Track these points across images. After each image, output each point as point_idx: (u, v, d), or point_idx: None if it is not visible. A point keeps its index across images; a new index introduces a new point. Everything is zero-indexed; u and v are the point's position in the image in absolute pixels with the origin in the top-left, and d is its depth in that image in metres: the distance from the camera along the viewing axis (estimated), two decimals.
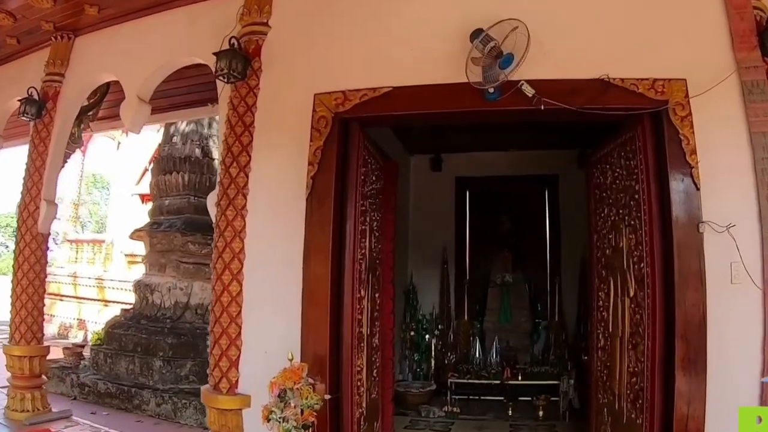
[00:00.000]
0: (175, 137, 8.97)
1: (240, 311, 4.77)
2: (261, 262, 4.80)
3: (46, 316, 13.81)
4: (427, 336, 8.33)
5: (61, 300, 13.20)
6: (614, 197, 4.97)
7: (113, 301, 11.69)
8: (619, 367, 4.76)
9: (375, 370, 5.10)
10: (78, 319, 12.48)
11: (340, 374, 4.45)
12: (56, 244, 14.44)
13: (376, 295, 5.16)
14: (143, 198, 13.34)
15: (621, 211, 4.82)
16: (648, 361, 4.29)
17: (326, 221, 4.46)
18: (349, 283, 4.44)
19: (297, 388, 4.02)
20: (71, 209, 14.03)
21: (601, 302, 5.13)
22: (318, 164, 4.61)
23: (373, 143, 5.16)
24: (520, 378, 6.95)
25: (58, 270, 13.42)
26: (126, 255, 12.05)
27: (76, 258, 13.53)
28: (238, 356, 4.77)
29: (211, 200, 5.14)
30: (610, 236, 4.99)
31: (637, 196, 4.59)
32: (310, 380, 4.16)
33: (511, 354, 7.42)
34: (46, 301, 13.97)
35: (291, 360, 4.17)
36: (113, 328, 8.66)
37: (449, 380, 7.04)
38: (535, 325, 7.93)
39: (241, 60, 4.88)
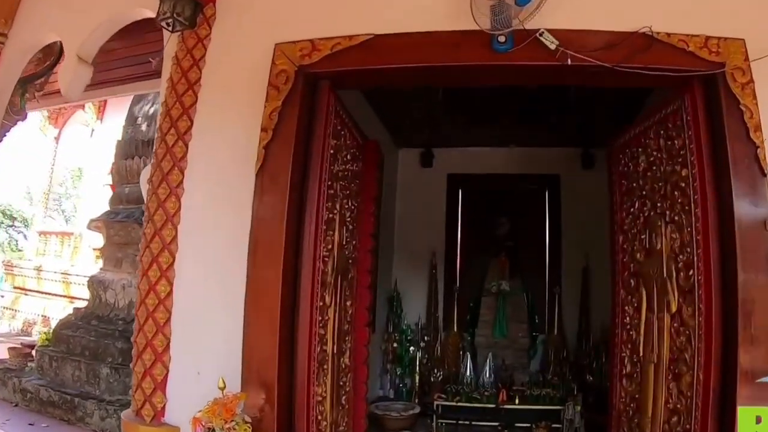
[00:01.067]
0: (139, 119, 7.71)
1: (169, 319, 3.53)
2: (198, 255, 3.56)
3: (10, 311, 12.71)
4: (411, 348, 7.07)
5: (26, 294, 11.87)
6: (649, 187, 3.77)
7: (79, 298, 10.38)
8: (653, 402, 3.54)
9: (344, 397, 3.88)
10: (43, 315, 11.16)
11: (294, 406, 3.21)
12: (25, 238, 13.20)
13: (348, 304, 3.93)
14: (113, 187, 12.13)
15: (660, 205, 3.61)
16: (698, 397, 3.07)
17: (279, 205, 3.22)
18: (307, 288, 3.20)
19: (228, 428, 2.78)
20: (43, 200, 12.72)
21: (627, 319, 3.91)
22: (273, 131, 3.38)
23: (349, 114, 3.94)
24: (517, 402, 5.68)
25: (24, 263, 12.14)
26: (94, 249, 10.75)
27: (45, 251, 12.23)
28: (166, 376, 3.52)
29: (144, 176, 3.93)
30: (643, 236, 3.78)
31: (683, 185, 3.39)
32: (247, 417, 2.92)
33: (506, 373, 6.15)
34: (11, 295, 12.94)
35: (223, 389, 2.92)
36: (62, 329, 7.37)
37: (435, 402, 5.79)
38: (532, 340, 6.67)
39: (189, 3, 3.68)
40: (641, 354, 3.69)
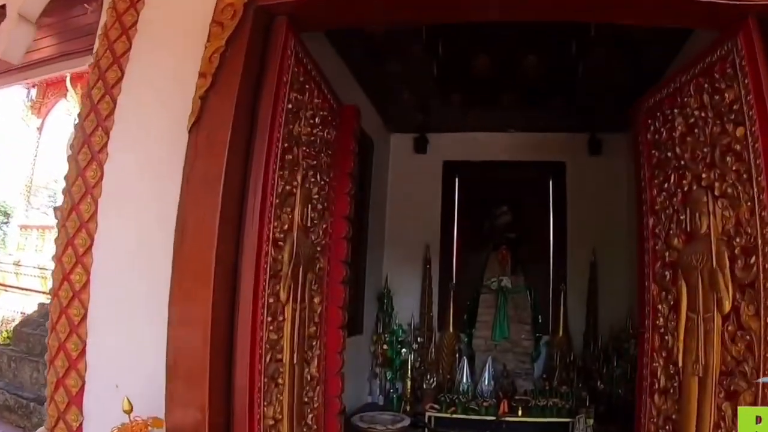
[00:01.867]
0: None
1: (85, 316, 2.68)
2: (122, 237, 2.72)
3: None
4: (403, 350, 6.22)
5: (6, 291, 11.02)
6: (689, 156, 2.91)
7: None
8: (697, 426, 2.70)
9: (311, 416, 3.03)
10: (21, 312, 10.30)
11: None
12: (4, 232, 12.36)
13: (316, 301, 3.08)
14: None
15: (705, 176, 2.76)
16: None
17: (214, 170, 2.37)
18: (249, 280, 2.35)
19: None
20: (25, 193, 11.85)
21: (660, 320, 3.05)
22: (213, 77, 2.53)
23: (318, 67, 3.10)
24: (520, 413, 4.79)
25: (4, 258, 11.28)
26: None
27: (25, 245, 11.36)
28: (82, 388, 2.69)
29: (67, 142, 3.10)
30: (682, 217, 2.92)
31: (738, 147, 2.54)
32: None
33: (507, 381, 5.28)
34: None
35: (129, 412, 2.09)
36: (22, 326, 6.57)
37: (427, 414, 4.94)
38: (536, 342, 5.80)
39: None
40: (680, 364, 2.83)
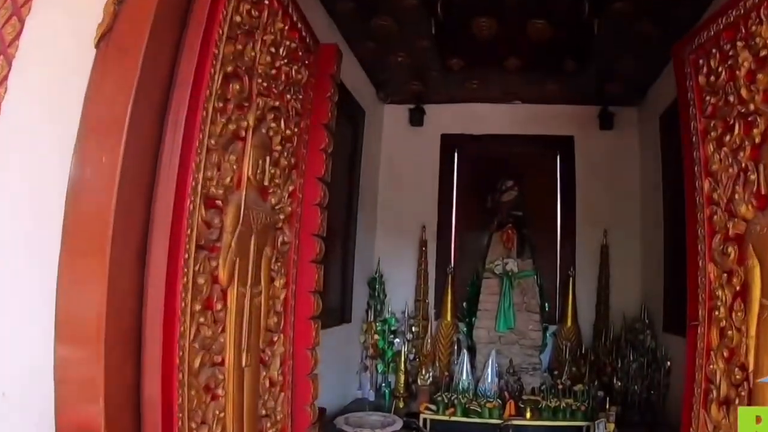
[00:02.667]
0: None
1: None
2: (13, 189, 1.97)
3: None
4: (396, 341, 5.49)
5: None
6: (763, 97, 2.16)
7: None
8: None
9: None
10: None
11: None
12: None
13: (276, 285, 2.32)
14: None
15: None
16: None
17: (121, 96, 1.60)
18: (161, 251, 1.59)
19: None
20: None
21: (721, 310, 2.28)
22: None
23: None
24: (528, 416, 4.06)
25: None
26: None
27: None
28: None
29: None
30: (752, 176, 2.16)
31: None
32: None
33: (514, 378, 4.55)
34: None
35: None
36: None
37: (422, 416, 4.21)
38: (544, 333, 5.04)
39: None
40: (750, 368, 2.10)
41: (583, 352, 5.05)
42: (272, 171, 2.26)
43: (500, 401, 4.12)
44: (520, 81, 5.66)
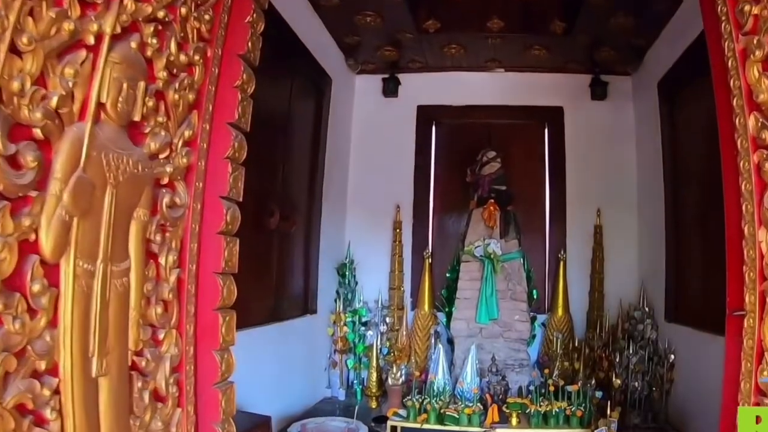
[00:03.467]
0: None
1: None
2: None
3: None
4: (368, 333, 4.80)
5: None
6: None
7: None
8: None
9: None
10: None
11: None
12: None
13: (162, 263, 1.61)
14: None
15: None
16: None
17: None
18: None
19: None
20: None
21: None
22: None
23: None
24: (514, 422, 3.31)
25: None
26: None
27: None
28: None
29: None
30: None
31: None
32: None
33: (497, 377, 3.82)
34: None
35: None
36: None
37: (390, 423, 3.50)
38: (532, 324, 4.34)
39: None
40: None
41: (576, 344, 4.38)
42: (150, 104, 1.54)
43: (481, 405, 3.41)
44: (504, 45, 4.96)
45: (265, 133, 3.87)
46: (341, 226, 5.16)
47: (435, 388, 3.54)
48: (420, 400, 3.46)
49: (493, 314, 3.94)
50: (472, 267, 4.14)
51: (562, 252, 4.86)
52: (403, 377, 3.95)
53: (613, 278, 4.95)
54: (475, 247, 4.00)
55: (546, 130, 5.34)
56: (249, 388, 3.49)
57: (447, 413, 3.33)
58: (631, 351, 4.19)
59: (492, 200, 4.20)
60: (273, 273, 4.06)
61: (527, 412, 3.35)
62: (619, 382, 3.92)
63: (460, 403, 3.37)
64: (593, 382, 3.70)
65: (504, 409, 3.37)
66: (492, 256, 3.91)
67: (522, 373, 3.94)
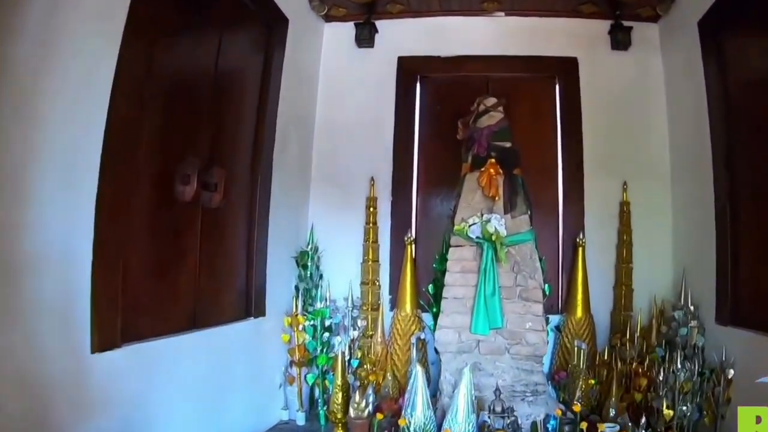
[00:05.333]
0: None
1: None
2: None
3: None
4: (336, 340, 3.51)
5: None
6: None
7: None
8: None
9: None
10: None
11: None
12: None
13: None
14: None
15: None
16: None
17: None
18: None
19: None
20: None
21: None
22: None
23: None
24: None
25: None
26: None
27: None
28: None
29: None
30: None
31: None
32: None
33: (500, 415, 2.36)
34: None
35: None
36: None
37: None
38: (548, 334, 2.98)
39: None
40: None
41: (604, 357, 3.09)
42: None
43: None
44: None
45: (177, 80, 2.61)
46: (302, 204, 3.86)
47: (412, 428, 2.24)
48: None
49: (495, 322, 2.62)
50: (465, 254, 2.80)
51: (580, 236, 3.56)
52: (371, 407, 2.65)
53: (643, 269, 3.66)
54: (470, 226, 2.67)
55: (557, 87, 4.02)
56: (163, 414, 2.33)
57: None
58: (678, 365, 2.90)
59: (492, 160, 2.86)
60: (193, 263, 2.77)
61: None
62: (671, 413, 2.62)
63: None
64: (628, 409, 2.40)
65: None
66: (494, 237, 2.58)
67: (536, 403, 2.61)
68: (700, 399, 2.94)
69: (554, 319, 3.51)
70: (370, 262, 3.71)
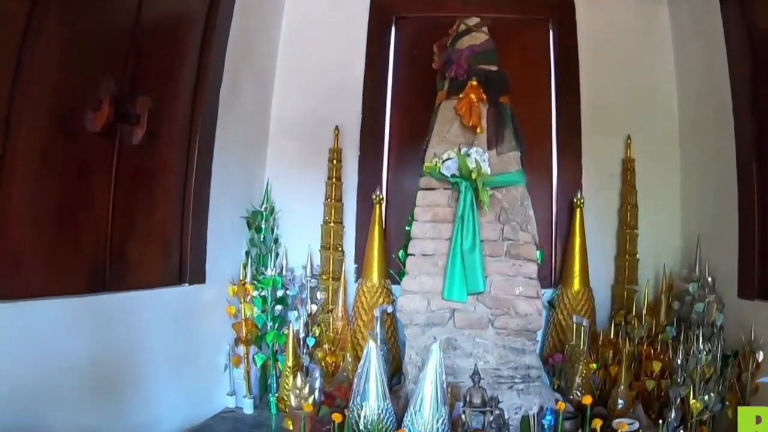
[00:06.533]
0: None
1: None
2: None
3: None
4: (293, 315, 2.83)
5: None
6: None
7: None
8: None
9: None
10: None
11: None
12: None
13: None
14: None
15: None
16: None
17: None
18: None
19: None
20: None
21: None
22: None
23: None
24: None
25: None
26: None
27: None
28: None
29: None
30: None
31: None
32: None
33: (483, 409, 1.66)
34: None
35: None
36: None
37: None
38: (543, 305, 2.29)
39: None
40: None
41: (610, 336, 2.43)
42: None
43: None
44: None
45: None
46: (257, 159, 3.17)
47: (362, 424, 1.56)
48: None
49: (475, 285, 1.92)
50: (437, 198, 2.08)
51: (578, 196, 2.89)
52: (316, 393, 1.97)
53: (649, 236, 3.01)
54: (443, 161, 1.97)
55: (551, 32, 3.35)
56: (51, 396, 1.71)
57: None
58: (700, 345, 2.25)
59: (474, 83, 2.17)
60: (103, 212, 2.09)
61: None
62: (699, 405, 1.96)
63: None
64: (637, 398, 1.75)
65: None
66: (474, 175, 1.89)
67: (528, 392, 1.91)
68: (722, 387, 2.30)
69: (547, 293, 2.85)
70: (331, 224, 3.03)
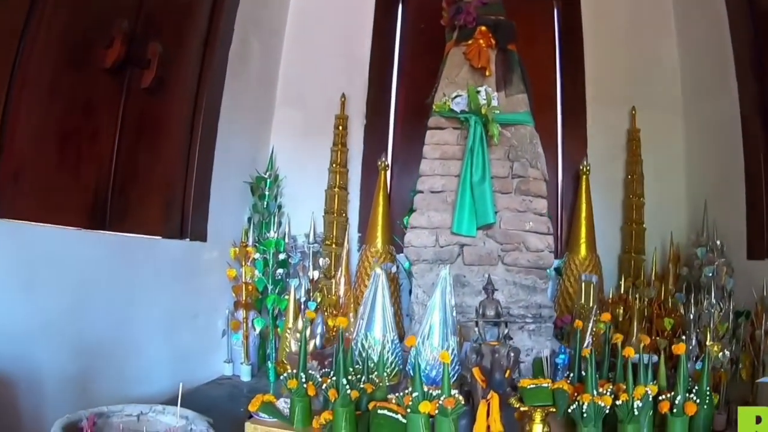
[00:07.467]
0: None
1: None
2: None
3: None
4: (293, 283, 2.68)
5: None
6: None
7: None
8: None
9: None
10: None
11: None
12: None
13: None
14: None
15: None
16: None
17: None
18: None
19: None
20: None
21: None
22: None
23: None
24: (539, 430, 1.22)
25: None
26: None
27: None
28: None
29: None
30: None
31: None
32: None
33: (497, 320, 1.43)
34: None
35: None
36: None
37: (249, 426, 1.35)
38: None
39: None
40: None
41: (619, 293, 2.29)
42: None
43: (461, 396, 1.20)
44: None
45: None
46: (264, 124, 3.06)
47: (362, 348, 1.43)
48: (326, 374, 1.33)
49: (485, 216, 1.79)
50: (446, 137, 1.96)
51: (584, 163, 2.78)
52: (318, 339, 1.83)
53: (656, 205, 2.89)
54: (453, 98, 1.87)
55: (555, 5, 3.28)
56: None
57: (379, 409, 1.21)
58: (712, 300, 2.11)
59: (483, 28, 2.06)
60: (107, 147, 1.99)
61: (569, 410, 1.21)
62: (718, 349, 1.82)
63: (412, 387, 1.21)
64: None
65: (513, 402, 1.24)
66: (484, 110, 1.78)
67: (540, 333, 1.76)
68: (736, 347, 2.16)
69: (554, 262, 2.71)
70: (336, 189, 2.90)
